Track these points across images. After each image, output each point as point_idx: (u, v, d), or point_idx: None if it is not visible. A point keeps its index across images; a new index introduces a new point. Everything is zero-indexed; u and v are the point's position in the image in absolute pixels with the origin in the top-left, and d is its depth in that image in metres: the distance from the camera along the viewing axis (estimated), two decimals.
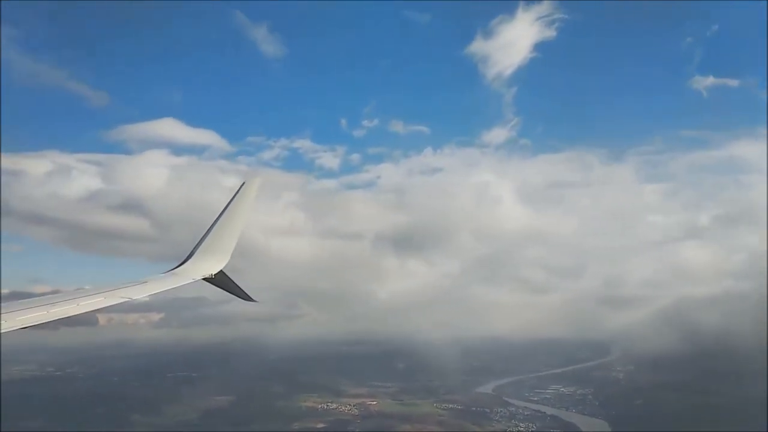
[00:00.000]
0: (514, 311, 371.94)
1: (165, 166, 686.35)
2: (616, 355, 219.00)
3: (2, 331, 7.79)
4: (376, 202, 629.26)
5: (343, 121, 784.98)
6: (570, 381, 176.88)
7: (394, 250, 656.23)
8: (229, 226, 14.04)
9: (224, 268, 13.78)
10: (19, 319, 8.19)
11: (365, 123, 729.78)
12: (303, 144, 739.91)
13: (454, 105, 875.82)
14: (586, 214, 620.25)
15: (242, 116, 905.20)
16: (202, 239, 13.64)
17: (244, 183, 15.17)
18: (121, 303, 10.03)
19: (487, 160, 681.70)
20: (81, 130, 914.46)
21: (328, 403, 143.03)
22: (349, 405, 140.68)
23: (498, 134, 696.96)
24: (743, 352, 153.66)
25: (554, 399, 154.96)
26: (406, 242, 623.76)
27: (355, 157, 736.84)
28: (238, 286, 13.61)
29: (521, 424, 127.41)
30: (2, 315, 8.08)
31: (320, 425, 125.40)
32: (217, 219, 14.14)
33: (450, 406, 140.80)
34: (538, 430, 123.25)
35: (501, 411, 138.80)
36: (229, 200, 14.66)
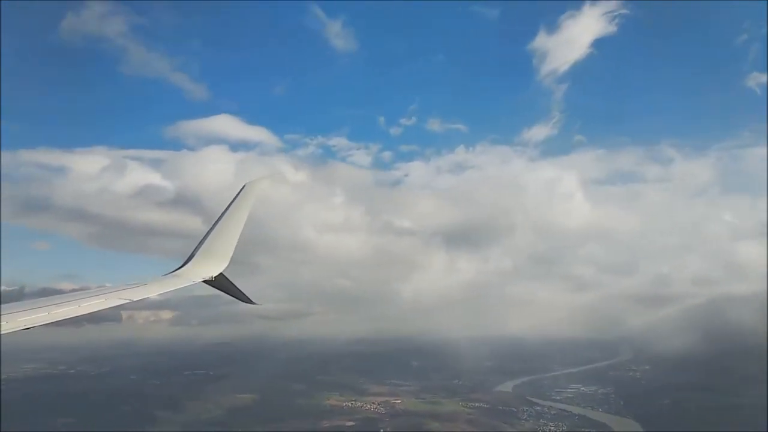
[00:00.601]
0: (538, 310, 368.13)
1: (224, 161, 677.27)
2: (627, 355, 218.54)
3: (3, 332, 7.78)
4: (429, 199, 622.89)
5: (381, 119, 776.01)
6: (588, 380, 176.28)
7: (443, 246, 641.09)
8: (230, 229, 14.04)
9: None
10: (20, 320, 8.25)
11: (403, 121, 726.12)
12: (338, 141, 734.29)
13: (500, 102, 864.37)
14: (643, 211, 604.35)
15: (295, 112, 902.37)
16: (201, 242, 13.64)
17: (244, 186, 15.13)
18: (121, 304, 10.17)
19: (536, 156, 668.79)
20: (145, 124, 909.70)
21: (352, 402, 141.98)
22: (374, 403, 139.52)
23: (539, 131, 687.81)
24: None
25: (577, 398, 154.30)
26: (455, 239, 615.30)
27: (387, 154, 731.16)
28: (238, 288, 13.56)
29: (551, 424, 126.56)
30: (3, 316, 8.09)
31: (349, 423, 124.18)
32: (217, 222, 14.13)
33: (476, 404, 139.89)
34: (571, 430, 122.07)
35: (527, 410, 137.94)
36: (229, 203, 14.65)
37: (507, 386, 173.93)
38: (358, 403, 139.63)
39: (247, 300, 13.90)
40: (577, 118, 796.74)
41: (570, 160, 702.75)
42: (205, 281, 12.67)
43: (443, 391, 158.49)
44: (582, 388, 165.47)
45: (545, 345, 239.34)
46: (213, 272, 12.90)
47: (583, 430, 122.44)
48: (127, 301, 10.24)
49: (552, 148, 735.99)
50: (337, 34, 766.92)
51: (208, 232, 13.84)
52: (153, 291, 11.21)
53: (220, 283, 13.05)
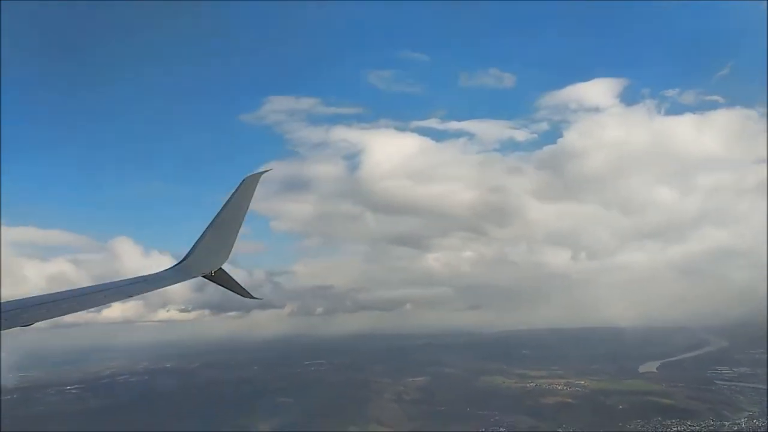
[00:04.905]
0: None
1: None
2: (721, 342, 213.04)
3: (2, 330, 7.83)
4: None
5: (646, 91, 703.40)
6: (725, 363, 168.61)
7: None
8: (230, 223, 13.70)
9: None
10: (19, 318, 8.27)
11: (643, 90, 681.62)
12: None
13: None
14: None
15: None
16: (202, 236, 13.17)
17: (244, 180, 14.49)
18: (119, 300, 10.28)
19: None
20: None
21: (529, 383, 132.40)
22: (560, 385, 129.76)
23: None
24: None
25: (743, 377, 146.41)
26: None
27: None
28: (238, 283, 13.38)
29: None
30: (2, 314, 8.07)
31: (568, 400, 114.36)
32: (217, 216, 13.58)
33: (671, 383, 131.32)
34: None
35: (717, 389, 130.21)
36: (229, 197, 13.96)
37: (650, 367, 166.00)
38: (544, 385, 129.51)
39: (247, 295, 13.71)
40: None
41: None
42: (204, 276, 12.57)
43: (601, 374, 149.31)
44: (733, 369, 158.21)
45: (633, 333, 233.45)
46: (213, 267, 12.75)
47: None
48: (127, 297, 10.35)
49: None
50: None
51: (208, 227, 13.33)
52: (152, 287, 11.15)
53: (219, 278, 12.89)
